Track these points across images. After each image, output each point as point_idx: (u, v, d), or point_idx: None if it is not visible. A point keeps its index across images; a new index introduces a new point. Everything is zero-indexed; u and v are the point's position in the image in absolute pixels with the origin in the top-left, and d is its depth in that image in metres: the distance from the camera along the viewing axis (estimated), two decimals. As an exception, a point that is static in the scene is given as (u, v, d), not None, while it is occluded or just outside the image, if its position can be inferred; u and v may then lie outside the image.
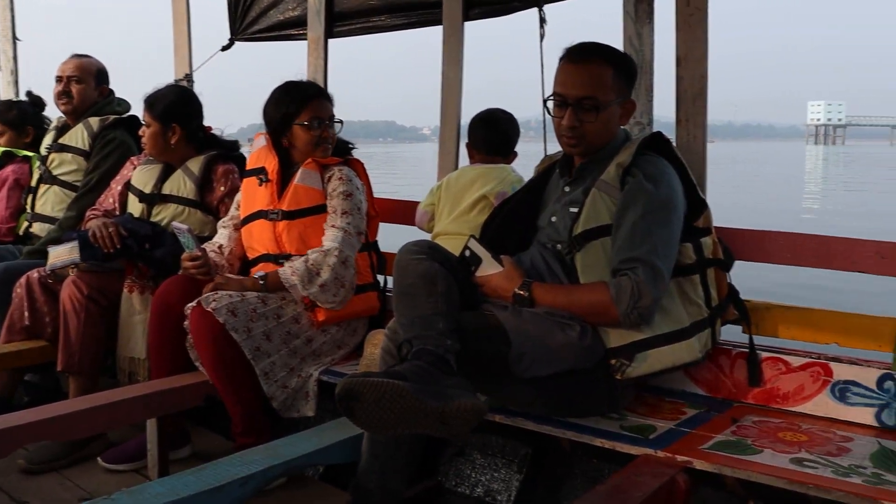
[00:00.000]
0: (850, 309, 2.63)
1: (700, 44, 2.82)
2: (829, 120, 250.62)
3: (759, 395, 2.62)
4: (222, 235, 3.24)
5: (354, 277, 3.05)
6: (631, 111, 2.56)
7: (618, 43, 2.95)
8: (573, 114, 2.46)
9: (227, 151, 3.53)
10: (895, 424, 2.42)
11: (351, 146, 3.31)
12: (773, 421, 2.47)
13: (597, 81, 2.45)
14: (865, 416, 2.46)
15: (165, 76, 4.64)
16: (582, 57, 2.48)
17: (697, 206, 2.50)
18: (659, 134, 2.52)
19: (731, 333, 2.68)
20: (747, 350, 2.62)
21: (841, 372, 2.51)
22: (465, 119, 3.41)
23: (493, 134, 3.26)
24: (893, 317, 2.48)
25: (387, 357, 2.42)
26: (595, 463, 2.68)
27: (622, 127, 2.58)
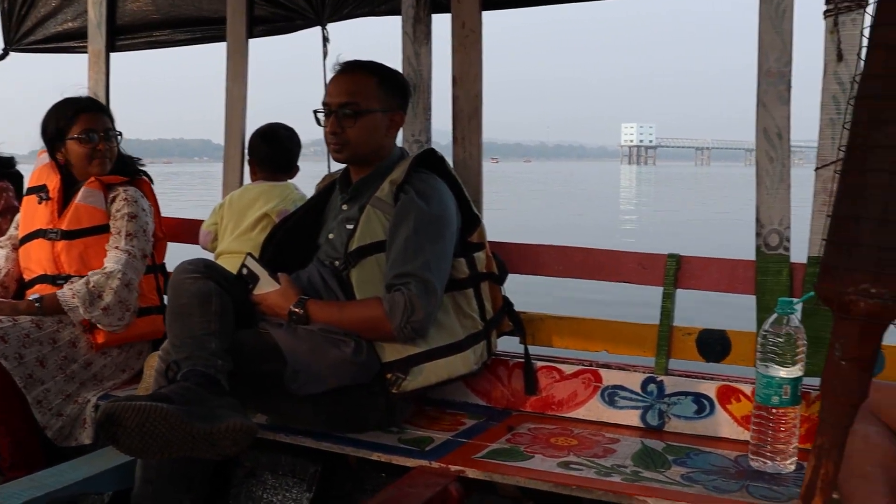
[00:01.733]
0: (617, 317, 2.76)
1: (475, 64, 2.91)
2: (642, 141, 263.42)
3: (536, 402, 2.71)
4: None
5: (137, 300, 2.97)
6: (399, 123, 2.60)
7: (397, 62, 3.01)
8: (335, 120, 2.51)
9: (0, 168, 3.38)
10: (658, 424, 2.56)
11: (141, 164, 3.22)
12: (548, 427, 2.56)
13: (358, 89, 2.51)
14: (632, 418, 2.59)
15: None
16: (347, 68, 2.56)
17: (471, 221, 2.57)
18: (432, 151, 2.57)
19: (509, 344, 2.76)
20: (524, 360, 2.71)
21: (610, 377, 2.63)
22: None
23: (274, 150, 3.24)
24: (655, 324, 2.62)
25: (160, 379, 2.35)
26: (384, 477, 2.69)
27: (399, 145, 2.63)
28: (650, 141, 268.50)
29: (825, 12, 2.37)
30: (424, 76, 2.99)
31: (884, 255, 1.09)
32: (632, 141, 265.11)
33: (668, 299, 2.60)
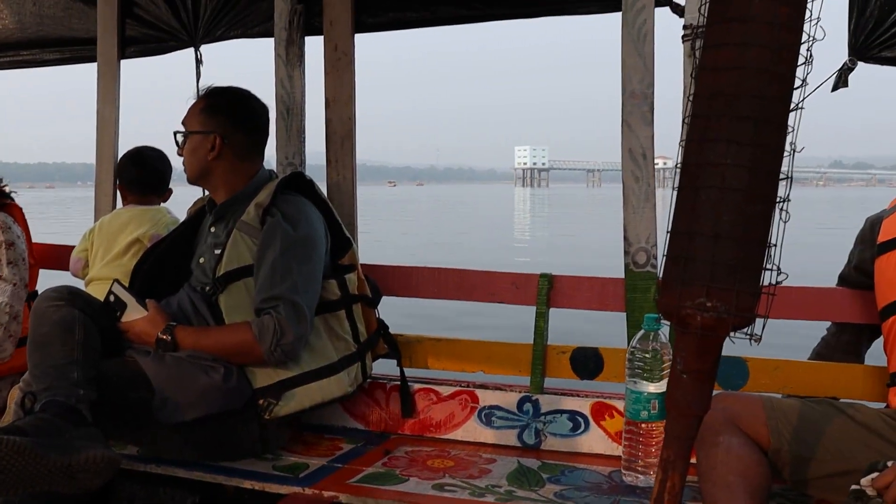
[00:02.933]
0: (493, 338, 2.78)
1: (348, 87, 2.90)
2: (535, 163, 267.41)
3: (414, 425, 2.70)
4: None
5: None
6: (235, 145, 2.53)
7: (270, 85, 2.98)
8: (179, 146, 2.56)
9: None
10: (534, 443, 2.57)
11: (10, 191, 3.10)
12: (425, 449, 2.55)
13: (188, 115, 2.55)
14: (509, 437, 2.60)
15: None
16: (195, 96, 2.59)
17: (342, 244, 2.55)
18: (300, 174, 2.55)
19: (387, 367, 2.75)
20: (400, 383, 2.70)
21: (486, 398, 2.64)
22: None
23: (143, 173, 3.17)
24: (529, 343, 2.64)
25: (19, 411, 2.26)
26: None
27: (268, 168, 2.60)
28: (543, 163, 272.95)
29: (683, 36, 2.45)
30: (297, 99, 2.96)
31: (716, 269, 1.11)
32: (525, 163, 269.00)
33: (541, 318, 2.63)
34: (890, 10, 2.41)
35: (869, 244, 2.25)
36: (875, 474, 1.85)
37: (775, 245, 1.15)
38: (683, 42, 2.44)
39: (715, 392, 2.21)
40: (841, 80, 2.42)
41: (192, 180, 2.60)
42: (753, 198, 1.12)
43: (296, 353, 2.33)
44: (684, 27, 2.41)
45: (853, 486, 1.88)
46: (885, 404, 2.10)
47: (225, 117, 2.51)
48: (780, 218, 1.16)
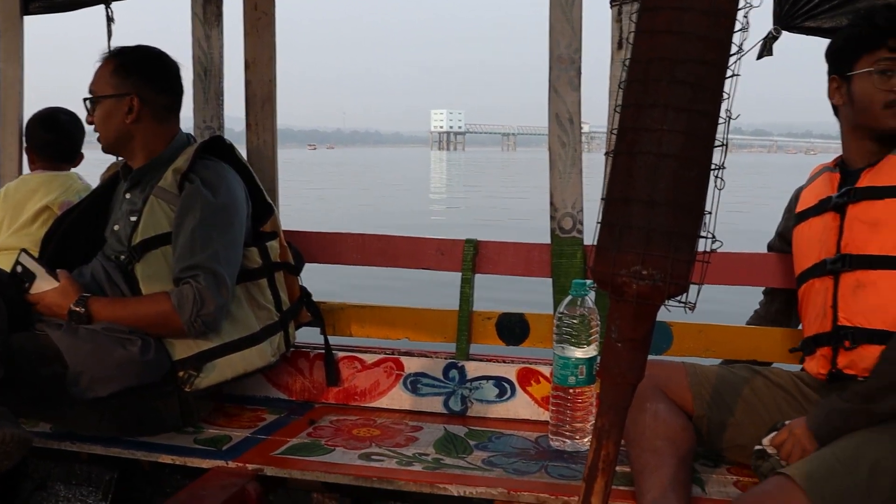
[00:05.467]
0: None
1: (268, 48, 2.81)
2: (451, 127, 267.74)
3: (339, 394, 2.66)
4: None
5: None
6: (154, 106, 2.42)
7: (186, 45, 2.87)
8: (87, 113, 2.43)
9: None
10: (461, 410, 2.57)
11: None
12: (351, 418, 2.52)
13: (97, 78, 2.42)
14: (435, 404, 2.59)
15: None
16: (100, 58, 2.44)
17: (264, 210, 2.49)
18: (219, 138, 2.47)
19: (310, 335, 2.70)
20: (324, 351, 2.66)
21: (412, 365, 2.62)
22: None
23: (55, 137, 3.03)
24: (455, 310, 2.62)
25: None
26: (178, 479, 2.58)
27: (188, 132, 2.51)
28: (459, 127, 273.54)
29: (611, 1, 2.43)
30: (216, 60, 2.86)
31: (652, 236, 1.10)
32: (441, 127, 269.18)
33: (466, 284, 2.61)
34: (814, -21, 2.43)
35: (791, 213, 2.29)
36: (774, 433, 1.93)
37: (710, 212, 1.15)
38: (611, 7, 2.42)
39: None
40: (766, 49, 2.43)
41: (108, 148, 2.47)
42: (689, 164, 1.11)
43: (216, 323, 2.26)
44: None
45: (756, 447, 1.95)
46: (801, 367, 2.16)
47: (140, 77, 2.39)
48: (716, 185, 1.15)
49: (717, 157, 1.15)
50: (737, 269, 2.49)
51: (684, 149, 1.10)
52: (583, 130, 2.60)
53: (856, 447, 1.72)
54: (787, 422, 1.94)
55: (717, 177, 1.15)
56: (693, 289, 1.17)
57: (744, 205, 19.62)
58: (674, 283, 1.12)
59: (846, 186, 2.06)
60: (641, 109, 1.12)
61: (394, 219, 17.68)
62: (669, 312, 1.19)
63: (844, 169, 2.13)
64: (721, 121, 1.14)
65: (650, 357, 2.34)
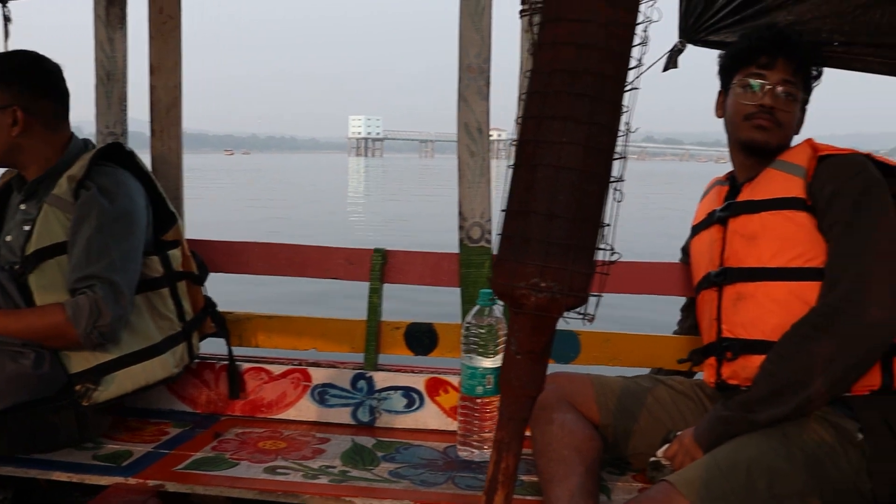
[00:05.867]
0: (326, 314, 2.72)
1: (174, 53, 2.75)
2: (369, 133, 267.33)
3: (245, 406, 2.61)
4: None
5: None
6: (38, 115, 2.31)
7: (89, 48, 2.79)
8: None
9: None
10: (369, 420, 2.54)
11: None
12: (257, 431, 2.47)
13: None
14: (343, 415, 2.56)
15: None
16: None
17: (166, 218, 2.43)
18: (118, 144, 2.40)
19: (217, 346, 2.64)
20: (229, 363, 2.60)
21: (319, 376, 2.58)
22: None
23: None
24: (363, 319, 2.59)
25: None
26: (78, 497, 2.49)
27: (83, 138, 2.43)
28: (377, 133, 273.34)
29: (521, 11, 2.44)
30: (119, 64, 2.78)
31: (551, 249, 1.10)
32: (359, 133, 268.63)
33: (374, 294, 2.59)
34: (718, -5, 2.48)
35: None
36: (667, 445, 1.98)
37: (609, 224, 1.15)
38: (521, 17, 2.43)
39: (549, 370, 2.26)
40: (671, 62, 2.47)
41: (4, 165, 2.36)
42: (588, 177, 1.11)
43: (115, 334, 2.20)
44: (522, 2, 2.40)
45: (651, 458, 1.99)
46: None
47: (20, 86, 2.27)
48: (614, 198, 1.15)
49: (616, 170, 1.15)
50: (645, 279, 2.53)
51: (584, 162, 1.10)
52: (501, 139, 2.61)
53: (733, 450, 1.77)
54: (678, 433, 1.99)
55: (615, 189, 1.16)
56: (597, 299, 1.17)
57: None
58: (572, 294, 1.11)
59: (729, 200, 2.13)
60: (542, 121, 1.12)
61: (310, 229, 17.56)
62: (567, 324, 1.19)
63: (733, 182, 2.20)
64: (620, 133, 1.15)
65: (559, 368, 2.38)
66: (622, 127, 1.15)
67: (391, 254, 2.63)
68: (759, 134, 2.07)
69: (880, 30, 2.38)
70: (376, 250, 2.62)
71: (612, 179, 1.16)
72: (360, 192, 38.20)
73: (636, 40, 1.16)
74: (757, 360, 1.93)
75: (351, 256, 2.65)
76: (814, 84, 2.15)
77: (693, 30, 2.48)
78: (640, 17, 1.16)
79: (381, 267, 2.60)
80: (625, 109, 1.16)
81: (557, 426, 2.02)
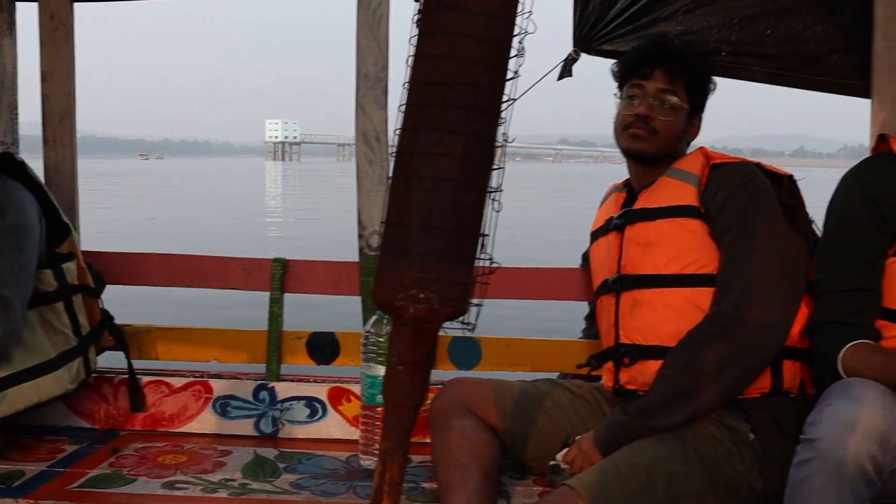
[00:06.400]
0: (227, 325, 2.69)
1: (66, 60, 2.68)
2: (287, 137, 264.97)
3: (145, 420, 2.56)
4: None
5: None
6: None
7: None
8: None
9: None
10: (272, 432, 2.52)
11: None
12: (157, 445, 2.42)
13: None
14: (245, 427, 2.53)
15: None
16: None
17: (59, 231, 2.37)
18: (9, 154, 2.34)
19: (115, 360, 2.59)
20: (128, 376, 2.55)
21: (221, 387, 2.55)
22: None
23: None
24: (265, 330, 2.57)
25: None
26: None
27: None
28: (295, 137, 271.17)
29: (414, 19, 2.44)
30: (9, 71, 2.71)
31: (428, 260, 1.11)
32: (276, 137, 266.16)
33: (275, 304, 2.57)
34: (610, 6, 2.54)
35: None
36: (566, 450, 2.01)
37: (488, 234, 1.16)
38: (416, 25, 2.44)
39: (451, 376, 2.28)
40: (566, 70, 2.52)
41: None
42: (465, 188, 1.12)
43: (6, 351, 2.13)
44: (417, 11, 2.41)
45: (550, 462, 2.02)
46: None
47: None
48: (493, 208, 1.17)
49: (495, 180, 1.17)
50: (547, 284, 2.57)
51: (460, 172, 1.12)
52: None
53: (632, 454, 1.81)
54: (576, 437, 2.02)
55: (494, 199, 1.17)
56: (478, 309, 1.19)
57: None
58: (451, 305, 1.13)
59: (626, 207, 2.17)
60: (418, 133, 1.13)
61: (228, 242, 17.35)
62: (467, 333, 1.20)
63: (630, 189, 2.24)
64: (498, 144, 1.16)
65: (461, 374, 2.39)
66: (500, 138, 1.17)
67: (291, 263, 2.61)
68: (635, 143, 2.13)
69: (764, 40, 2.47)
70: (276, 260, 2.59)
71: (490, 189, 1.17)
72: (275, 197, 37.85)
73: (513, 52, 1.18)
74: (654, 365, 1.97)
75: (250, 266, 2.63)
76: (710, 92, 2.20)
77: (587, 39, 2.53)
78: (517, 30, 1.18)
79: (280, 277, 2.58)
80: (502, 121, 1.17)
81: (456, 432, 2.03)
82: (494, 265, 1.18)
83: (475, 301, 1.15)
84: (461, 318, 1.17)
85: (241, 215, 24.61)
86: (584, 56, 2.58)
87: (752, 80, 2.52)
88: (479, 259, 1.16)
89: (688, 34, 2.47)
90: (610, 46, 2.52)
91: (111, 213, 23.15)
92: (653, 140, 2.12)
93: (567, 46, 2.57)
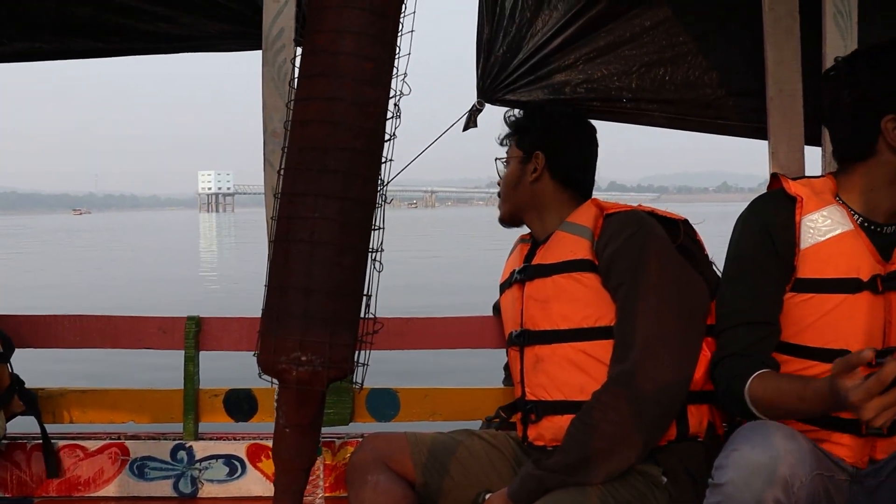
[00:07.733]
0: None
1: None
2: (220, 188, 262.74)
3: (60, 486, 2.52)
4: None
5: None
6: None
7: None
8: None
9: None
10: (191, 492, 2.49)
11: None
12: (75, 511, 2.38)
13: None
14: (164, 488, 2.50)
15: None
16: None
17: None
18: None
19: (28, 425, 2.54)
20: (42, 441, 2.51)
21: (137, 449, 2.52)
22: None
23: None
24: (181, 389, 2.55)
25: None
26: None
27: None
28: (228, 188, 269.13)
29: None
30: None
31: (310, 323, 1.12)
32: (210, 188, 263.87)
33: (190, 363, 2.54)
34: (512, 57, 2.59)
35: None
36: None
37: (369, 295, 1.18)
38: None
39: (370, 428, 2.28)
40: (471, 121, 2.56)
41: None
42: (344, 250, 1.14)
43: None
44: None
45: None
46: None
47: None
48: (374, 268, 1.19)
49: (375, 241, 1.19)
50: (456, 334, 2.58)
51: (339, 236, 1.14)
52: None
53: None
54: (488, 495, 2.01)
55: (374, 259, 1.19)
56: (364, 368, 1.20)
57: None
58: (334, 367, 1.14)
59: (527, 262, 2.21)
60: (294, 197, 1.15)
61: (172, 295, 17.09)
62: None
63: (534, 240, 2.27)
64: (378, 205, 1.19)
65: (379, 427, 2.39)
66: (378, 199, 1.19)
67: (205, 321, 2.59)
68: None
69: (664, 86, 2.54)
70: (189, 318, 2.57)
71: (370, 250, 1.19)
72: (210, 250, 37.41)
73: (389, 115, 1.20)
74: (560, 420, 1.98)
75: (164, 325, 2.60)
76: (538, 119, 2.26)
77: (490, 90, 2.58)
78: (392, 92, 1.21)
79: (195, 335, 2.56)
80: (381, 182, 1.20)
81: (370, 488, 2.03)
82: (378, 326, 1.20)
83: (361, 360, 1.16)
84: (349, 378, 1.18)
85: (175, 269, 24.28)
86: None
87: (653, 125, 2.59)
88: (363, 319, 1.18)
89: (588, 82, 2.54)
90: (513, 97, 2.57)
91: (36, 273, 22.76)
92: (501, 206, 2.29)
93: (471, 97, 2.62)
